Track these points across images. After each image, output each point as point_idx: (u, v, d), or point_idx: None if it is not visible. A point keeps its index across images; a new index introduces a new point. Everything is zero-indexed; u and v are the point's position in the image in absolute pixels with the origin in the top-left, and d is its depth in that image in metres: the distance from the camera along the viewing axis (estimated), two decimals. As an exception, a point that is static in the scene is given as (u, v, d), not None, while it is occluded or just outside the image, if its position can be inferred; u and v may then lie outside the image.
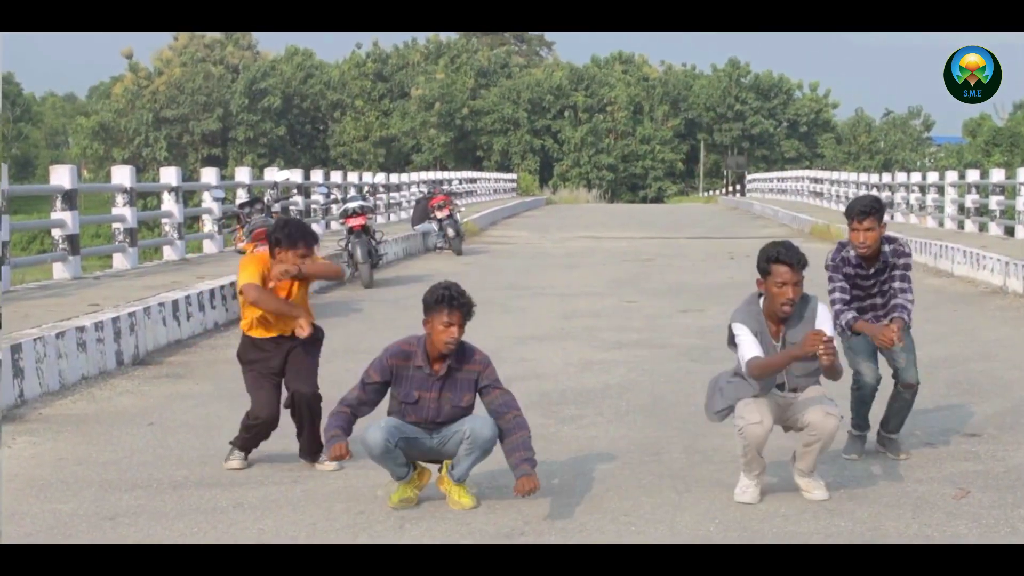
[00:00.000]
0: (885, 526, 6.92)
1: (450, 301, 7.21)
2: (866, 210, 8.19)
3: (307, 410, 8.29)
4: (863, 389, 8.40)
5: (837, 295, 8.32)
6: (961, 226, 29.82)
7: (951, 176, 32.62)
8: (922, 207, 34.22)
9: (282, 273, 8.17)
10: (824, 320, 7.33)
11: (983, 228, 28.67)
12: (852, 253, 8.30)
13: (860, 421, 8.51)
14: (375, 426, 7.26)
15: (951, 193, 31.76)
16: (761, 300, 7.38)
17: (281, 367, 8.33)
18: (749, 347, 7.25)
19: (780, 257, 7.23)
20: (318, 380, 8.45)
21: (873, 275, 8.33)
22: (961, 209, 30.53)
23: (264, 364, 8.30)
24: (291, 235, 8.19)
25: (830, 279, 8.36)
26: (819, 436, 7.28)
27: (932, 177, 34.87)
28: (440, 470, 7.45)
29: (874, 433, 8.59)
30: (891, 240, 8.36)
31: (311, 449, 8.36)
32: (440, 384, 7.31)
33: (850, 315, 8.25)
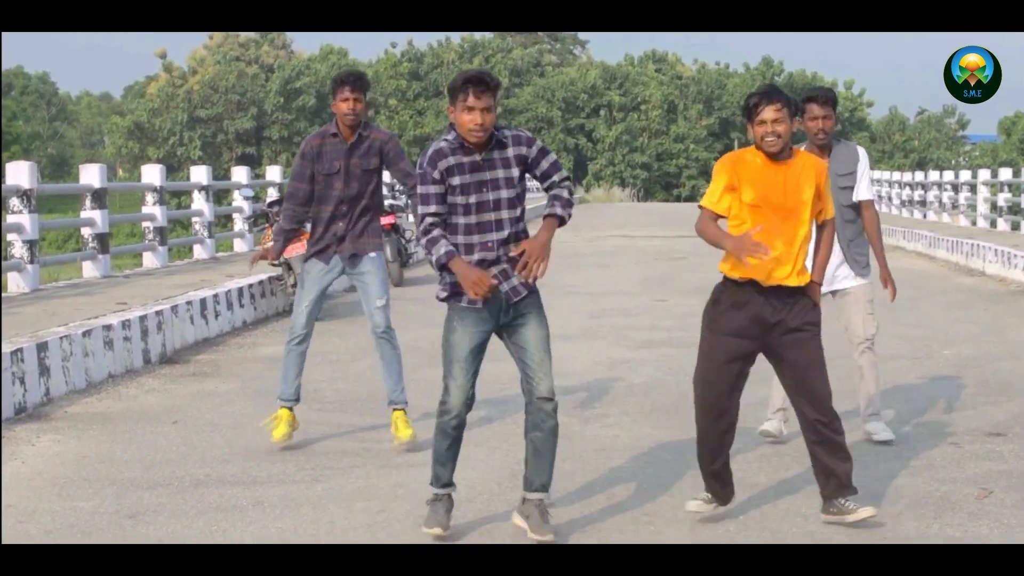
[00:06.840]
0: (906, 526, 6.88)
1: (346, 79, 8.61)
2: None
3: None
4: None
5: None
6: (993, 224, 29.67)
7: (984, 175, 32.46)
8: (954, 205, 34.06)
9: None
10: None
11: (1015, 227, 28.49)
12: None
13: None
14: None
15: (983, 192, 31.59)
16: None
17: None
18: None
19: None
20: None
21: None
22: (994, 207, 30.37)
23: None
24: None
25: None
26: None
27: (964, 175, 34.71)
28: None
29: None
30: None
31: None
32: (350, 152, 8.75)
33: None
